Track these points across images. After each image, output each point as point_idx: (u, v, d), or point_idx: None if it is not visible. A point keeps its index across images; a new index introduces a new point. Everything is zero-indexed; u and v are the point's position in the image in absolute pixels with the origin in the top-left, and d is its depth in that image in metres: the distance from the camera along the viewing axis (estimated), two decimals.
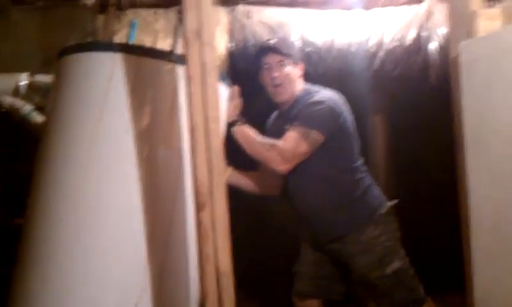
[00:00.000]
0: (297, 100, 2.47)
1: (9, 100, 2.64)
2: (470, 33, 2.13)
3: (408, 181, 3.33)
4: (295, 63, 2.50)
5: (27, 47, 2.82)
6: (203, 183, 1.75)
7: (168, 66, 2.03)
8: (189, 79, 1.82)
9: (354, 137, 2.48)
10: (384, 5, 3.28)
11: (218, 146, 1.80)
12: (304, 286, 2.60)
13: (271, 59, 2.46)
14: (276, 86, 2.46)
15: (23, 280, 1.95)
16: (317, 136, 2.33)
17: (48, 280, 1.89)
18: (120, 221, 1.93)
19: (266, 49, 2.50)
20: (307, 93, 2.46)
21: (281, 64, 2.45)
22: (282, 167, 2.34)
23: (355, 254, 2.42)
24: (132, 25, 2.73)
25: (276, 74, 2.45)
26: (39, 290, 1.89)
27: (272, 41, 2.55)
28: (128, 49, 2.09)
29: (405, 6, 3.25)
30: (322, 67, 3.01)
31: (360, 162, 2.49)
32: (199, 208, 1.74)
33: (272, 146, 2.33)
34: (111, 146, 1.97)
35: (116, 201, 1.94)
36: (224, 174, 1.82)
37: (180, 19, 2.47)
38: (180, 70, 2.00)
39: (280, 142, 2.33)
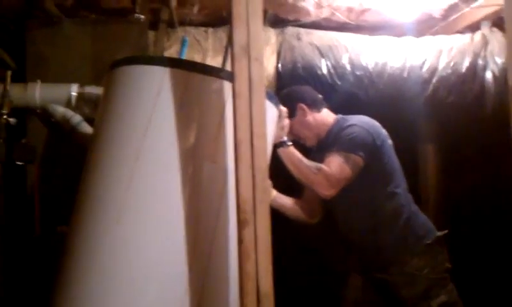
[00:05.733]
0: (331, 131, 2.47)
1: (60, 109, 2.68)
2: None
3: (459, 211, 3.21)
4: (292, 114, 2.43)
5: (78, 59, 2.86)
6: (246, 199, 1.70)
7: (217, 83, 2.01)
8: (235, 94, 1.79)
9: (394, 162, 2.44)
10: (436, 33, 3.24)
11: (263, 162, 1.75)
12: None
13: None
14: (299, 141, 2.49)
15: (65, 290, 1.93)
16: (357, 159, 2.30)
17: (90, 291, 1.87)
18: (162, 236, 1.90)
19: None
20: (340, 122, 2.46)
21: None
22: (328, 191, 2.30)
23: (400, 285, 2.36)
24: (183, 42, 2.75)
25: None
26: (80, 301, 1.88)
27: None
28: (177, 64, 2.09)
29: (458, 35, 3.19)
30: (373, 91, 2.99)
31: (402, 188, 2.44)
32: (241, 225, 1.69)
33: (319, 170, 2.30)
34: (156, 160, 1.95)
35: (159, 216, 1.91)
36: (268, 193, 1.77)
37: (230, 37, 2.49)
38: (229, 87, 1.98)
39: (325, 167, 2.30)
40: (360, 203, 2.39)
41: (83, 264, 1.91)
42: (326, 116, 2.52)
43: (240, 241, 1.70)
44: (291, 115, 2.43)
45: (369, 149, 2.33)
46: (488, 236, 3.19)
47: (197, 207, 1.93)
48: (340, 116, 2.51)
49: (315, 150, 2.59)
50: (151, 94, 1.97)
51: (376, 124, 2.42)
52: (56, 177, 2.75)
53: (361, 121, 2.39)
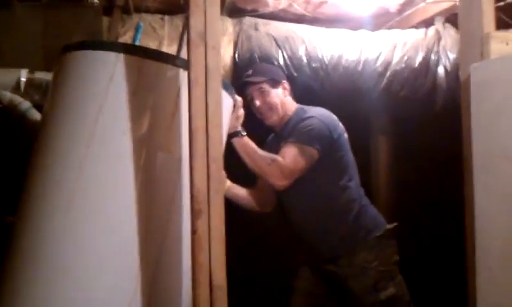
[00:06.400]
0: (290, 120, 2.48)
1: (8, 95, 2.59)
2: (482, 55, 2.09)
3: (409, 203, 3.28)
4: (275, 84, 2.50)
5: (29, 44, 2.75)
6: (200, 189, 1.69)
7: (171, 70, 1.97)
8: (191, 82, 1.76)
9: (349, 156, 2.47)
10: (391, 27, 3.29)
11: (218, 152, 1.74)
12: (299, 301, 2.54)
13: (251, 90, 2.50)
14: (262, 113, 2.49)
15: (12, 279, 1.88)
16: (312, 152, 2.33)
17: (38, 280, 1.82)
18: (113, 224, 1.86)
19: (245, 84, 2.53)
20: (299, 112, 2.48)
21: (261, 92, 2.48)
22: (281, 182, 2.32)
23: (349, 277, 2.38)
24: (137, 28, 2.68)
25: (258, 104, 2.48)
26: (28, 290, 1.82)
27: (248, 73, 2.57)
28: (131, 50, 2.03)
29: (413, 29, 3.24)
30: (329, 83, 3.01)
31: (355, 181, 2.47)
32: (195, 215, 1.67)
33: (274, 161, 2.31)
34: (107, 148, 1.90)
35: (110, 203, 1.88)
36: (223, 184, 1.76)
37: (187, 25, 2.45)
38: (184, 76, 1.94)
39: (279, 158, 2.31)
40: (312, 195, 2.40)
41: (30, 254, 1.86)
42: (290, 103, 2.55)
43: (194, 231, 1.68)
44: (275, 87, 2.48)
45: (325, 142, 2.35)
46: (437, 228, 3.28)
47: (149, 197, 1.90)
48: (299, 106, 2.53)
49: (272, 138, 2.61)
50: (103, 80, 1.91)
51: (333, 117, 2.44)
52: (3, 165, 2.66)
53: (320, 114, 2.41)
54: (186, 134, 1.83)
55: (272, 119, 2.49)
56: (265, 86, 2.47)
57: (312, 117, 2.39)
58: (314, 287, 2.52)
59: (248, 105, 2.47)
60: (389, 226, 2.45)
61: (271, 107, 2.47)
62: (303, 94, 2.69)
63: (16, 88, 2.59)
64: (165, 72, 1.97)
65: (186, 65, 1.88)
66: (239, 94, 2.35)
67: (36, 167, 1.98)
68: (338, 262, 2.39)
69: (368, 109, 3.21)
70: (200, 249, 1.67)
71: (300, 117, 2.43)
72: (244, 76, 2.58)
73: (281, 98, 2.50)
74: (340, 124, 2.46)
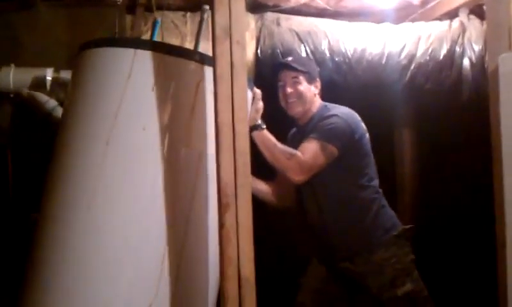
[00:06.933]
0: (313, 117, 2.47)
1: (35, 94, 2.63)
2: (510, 46, 2.07)
3: (436, 197, 3.25)
4: (311, 80, 2.49)
5: (53, 43, 2.79)
6: (227, 183, 1.69)
7: (190, 65, 1.98)
8: (216, 78, 1.77)
9: (369, 156, 2.46)
10: (414, 20, 3.25)
11: (244, 146, 1.74)
12: (306, 298, 2.54)
13: (286, 75, 2.47)
14: (290, 102, 2.47)
15: (36, 276, 1.91)
16: (332, 149, 2.32)
17: (60, 277, 1.85)
18: (134, 220, 1.87)
19: (281, 66, 2.51)
20: (323, 109, 2.47)
21: (295, 81, 2.45)
22: (299, 177, 2.32)
23: (366, 274, 2.39)
24: (155, 24, 2.66)
25: (289, 91, 2.45)
26: (50, 287, 1.85)
27: (288, 58, 2.56)
28: (148, 46, 2.03)
29: (437, 22, 3.20)
30: (352, 77, 2.98)
31: (375, 182, 2.47)
32: (223, 209, 1.68)
33: (293, 155, 2.31)
34: (127, 143, 1.92)
35: (130, 199, 1.89)
36: (249, 177, 1.76)
37: (201, 17, 2.45)
38: (202, 70, 1.96)
39: (298, 153, 2.32)
40: (333, 193, 2.40)
41: (52, 250, 1.88)
42: (317, 99, 2.53)
43: (222, 225, 1.69)
44: (309, 82, 2.46)
45: (346, 141, 2.35)
46: (465, 225, 3.24)
47: (170, 192, 1.90)
48: (324, 103, 2.52)
49: (294, 133, 2.60)
50: (121, 77, 1.92)
51: (356, 117, 2.44)
52: (29, 162, 2.69)
53: (343, 113, 2.41)
54: (210, 129, 1.84)
55: (297, 110, 2.47)
56: (301, 78, 2.46)
57: (335, 115, 2.39)
58: (324, 285, 2.52)
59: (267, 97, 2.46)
60: (405, 227, 2.46)
61: (300, 97, 2.45)
62: (326, 89, 2.67)
63: (42, 87, 2.63)
64: (183, 67, 1.97)
65: (205, 60, 1.91)
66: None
67: (56, 165, 2.00)
68: (354, 260, 2.40)
69: (392, 103, 3.17)
70: (228, 243, 1.68)
71: (323, 114, 2.43)
72: (282, 59, 2.55)
73: (312, 93, 2.48)
74: (363, 124, 2.45)
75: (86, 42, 2.08)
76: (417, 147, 3.37)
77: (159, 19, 2.77)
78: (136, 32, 2.88)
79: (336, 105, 2.48)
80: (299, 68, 2.46)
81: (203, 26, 2.48)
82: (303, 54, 2.95)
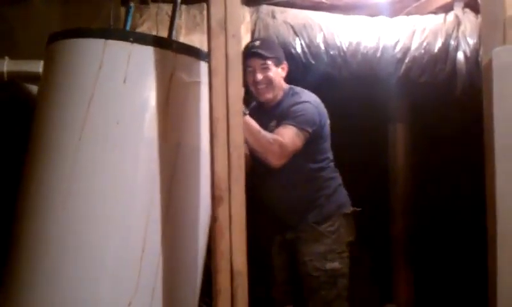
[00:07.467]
0: (282, 99, 2.53)
1: (28, 87, 2.61)
2: (504, 39, 2.07)
3: (429, 190, 3.26)
4: (278, 64, 2.53)
5: (47, 36, 2.78)
6: (221, 177, 1.69)
7: (162, 54, 1.92)
8: (211, 71, 1.76)
9: (329, 140, 2.57)
10: (409, 13, 3.25)
11: (239, 140, 1.74)
12: (280, 293, 2.65)
13: (255, 62, 2.49)
14: (260, 88, 2.50)
15: (13, 275, 1.88)
16: (306, 134, 2.42)
17: (39, 276, 1.81)
18: (109, 215, 1.83)
19: (250, 53, 2.51)
20: (291, 93, 2.54)
21: (264, 68, 2.49)
22: (279, 161, 2.39)
23: (305, 241, 2.49)
24: (128, 10, 2.52)
25: (259, 77, 2.48)
26: (29, 286, 1.81)
27: (255, 44, 2.56)
28: (118, 35, 1.96)
29: (432, 15, 3.20)
30: (347, 71, 3.00)
31: (333, 163, 2.58)
32: (216, 202, 1.68)
33: (275, 140, 2.37)
34: (100, 137, 1.86)
35: (105, 197, 1.84)
36: (243, 170, 1.76)
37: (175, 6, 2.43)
38: (175, 59, 1.92)
39: (280, 138, 2.37)
40: (296, 172, 2.48)
41: (28, 253, 1.84)
42: (283, 83, 2.57)
43: (215, 219, 1.69)
44: (277, 65, 2.50)
45: (316, 126, 2.45)
46: (458, 214, 3.25)
47: (146, 186, 1.87)
48: (289, 85, 2.57)
49: (260, 112, 2.57)
50: (92, 68, 1.86)
51: (321, 103, 2.53)
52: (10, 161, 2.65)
53: (313, 100, 2.50)
54: (184, 120, 1.86)
55: (268, 96, 2.51)
56: (269, 63, 2.49)
57: (307, 102, 2.47)
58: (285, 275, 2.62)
59: None
60: (356, 209, 2.58)
61: (270, 83, 2.49)
62: (321, 82, 2.68)
63: (36, 79, 2.61)
64: (155, 57, 1.91)
65: (181, 49, 1.89)
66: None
67: (30, 162, 1.94)
68: (300, 227, 2.50)
69: (387, 96, 3.19)
70: (221, 237, 1.68)
71: (294, 99, 2.49)
72: (250, 46, 2.55)
73: (279, 77, 2.53)
74: (325, 110, 2.54)
75: (53, 33, 2.01)
76: (411, 139, 3.38)
77: (132, 5, 2.63)
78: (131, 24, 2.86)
79: (301, 89, 2.55)
80: (268, 55, 2.49)
81: (176, 15, 2.45)
82: (298, 47, 2.96)
